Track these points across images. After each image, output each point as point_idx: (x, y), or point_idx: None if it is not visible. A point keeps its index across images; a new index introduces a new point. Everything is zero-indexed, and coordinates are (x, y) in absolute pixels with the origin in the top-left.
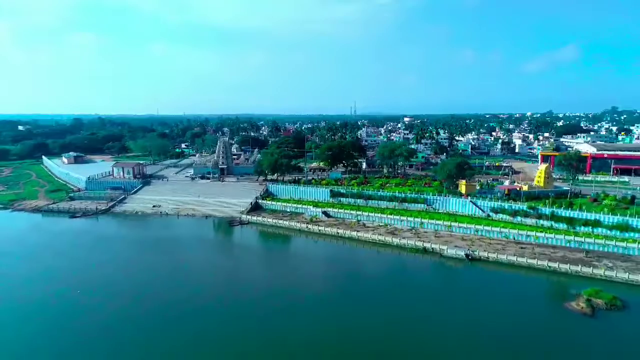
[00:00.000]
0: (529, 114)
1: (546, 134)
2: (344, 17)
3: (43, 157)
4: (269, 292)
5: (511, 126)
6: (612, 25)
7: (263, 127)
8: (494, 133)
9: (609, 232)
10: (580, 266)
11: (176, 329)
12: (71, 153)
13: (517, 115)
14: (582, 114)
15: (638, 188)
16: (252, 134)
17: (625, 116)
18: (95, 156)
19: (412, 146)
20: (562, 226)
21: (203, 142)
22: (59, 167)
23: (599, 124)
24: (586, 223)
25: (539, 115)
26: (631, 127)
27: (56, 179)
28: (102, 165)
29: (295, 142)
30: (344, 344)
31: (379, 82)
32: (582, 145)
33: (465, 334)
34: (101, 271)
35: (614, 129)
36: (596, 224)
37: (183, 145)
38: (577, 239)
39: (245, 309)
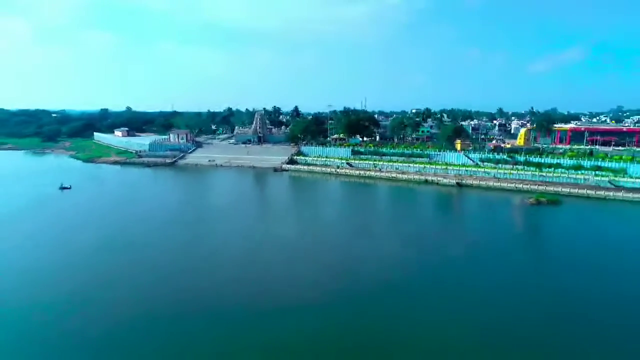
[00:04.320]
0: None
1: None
2: (353, 17)
3: (95, 133)
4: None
5: (513, 118)
6: (619, 25)
7: (281, 116)
8: (494, 121)
9: (566, 171)
10: (537, 186)
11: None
12: (123, 127)
13: (522, 112)
14: (586, 113)
15: (600, 151)
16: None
17: (627, 114)
18: (139, 133)
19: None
20: (532, 169)
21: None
22: (116, 138)
23: (597, 117)
24: (550, 166)
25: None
26: (627, 120)
27: (114, 147)
28: (151, 138)
29: (315, 124)
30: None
31: (387, 81)
32: (569, 126)
33: (455, 226)
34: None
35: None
36: (557, 165)
37: (213, 127)
38: (540, 174)
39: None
